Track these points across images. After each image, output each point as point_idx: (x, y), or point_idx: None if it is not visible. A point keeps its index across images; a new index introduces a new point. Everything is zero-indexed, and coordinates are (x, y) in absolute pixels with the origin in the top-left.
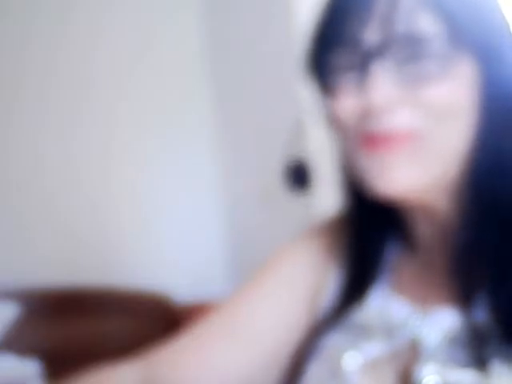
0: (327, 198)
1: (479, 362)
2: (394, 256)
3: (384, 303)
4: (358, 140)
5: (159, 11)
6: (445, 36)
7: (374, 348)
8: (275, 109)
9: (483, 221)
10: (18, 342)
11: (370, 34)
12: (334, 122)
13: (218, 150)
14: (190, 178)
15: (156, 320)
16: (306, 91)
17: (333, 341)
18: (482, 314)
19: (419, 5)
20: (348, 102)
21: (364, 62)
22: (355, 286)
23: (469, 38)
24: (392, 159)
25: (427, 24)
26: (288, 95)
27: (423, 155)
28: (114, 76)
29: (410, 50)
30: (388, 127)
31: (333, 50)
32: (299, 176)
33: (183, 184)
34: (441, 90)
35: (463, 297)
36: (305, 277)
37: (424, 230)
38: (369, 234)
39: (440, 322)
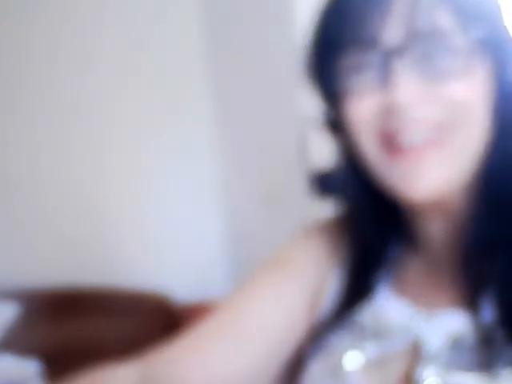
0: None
1: (485, 364)
2: (397, 256)
3: (387, 304)
4: (381, 142)
5: (159, 11)
6: (462, 32)
7: (376, 348)
8: (275, 108)
9: (495, 217)
10: (17, 342)
11: (391, 33)
12: (351, 125)
13: (218, 150)
14: (190, 178)
15: (156, 320)
16: (306, 100)
17: (334, 340)
18: (488, 316)
19: (437, 1)
20: (368, 102)
21: (385, 60)
22: (358, 286)
23: (482, 34)
24: (421, 165)
25: (446, 20)
26: (288, 95)
27: (449, 153)
28: (113, 76)
29: (431, 46)
30: (413, 135)
31: (344, 52)
32: (324, 183)
33: (183, 184)
34: (462, 85)
35: (471, 297)
36: (306, 276)
37: (433, 229)
38: (372, 233)
39: (444, 324)
